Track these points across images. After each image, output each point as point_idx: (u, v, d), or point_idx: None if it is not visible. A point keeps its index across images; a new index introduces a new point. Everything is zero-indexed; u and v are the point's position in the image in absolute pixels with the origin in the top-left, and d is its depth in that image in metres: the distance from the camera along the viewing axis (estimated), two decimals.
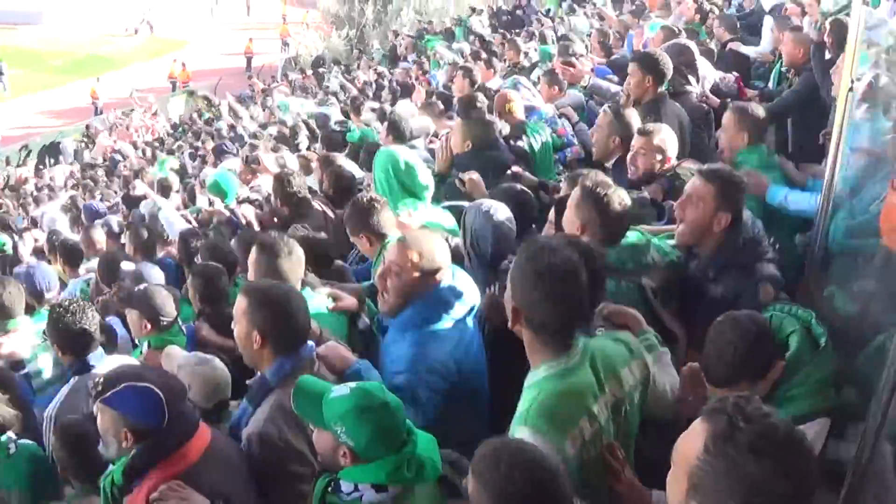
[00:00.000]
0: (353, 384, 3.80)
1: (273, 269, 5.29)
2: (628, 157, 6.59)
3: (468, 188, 6.92)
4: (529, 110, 9.26)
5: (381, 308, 4.90)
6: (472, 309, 4.80)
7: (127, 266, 8.49)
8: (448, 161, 7.78)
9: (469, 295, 4.80)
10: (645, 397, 3.83)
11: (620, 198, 4.95)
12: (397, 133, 9.43)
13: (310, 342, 4.52)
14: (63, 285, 9.36)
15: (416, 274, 4.63)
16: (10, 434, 5.39)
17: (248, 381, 4.54)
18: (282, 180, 8.53)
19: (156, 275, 8.36)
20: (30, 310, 7.41)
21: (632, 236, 5.14)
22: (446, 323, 4.67)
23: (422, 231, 5.41)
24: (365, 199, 6.00)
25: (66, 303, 5.82)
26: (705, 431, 2.46)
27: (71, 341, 5.67)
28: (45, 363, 6.73)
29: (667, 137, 6.47)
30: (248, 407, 4.46)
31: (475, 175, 6.97)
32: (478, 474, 3.03)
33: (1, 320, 6.90)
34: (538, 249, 3.52)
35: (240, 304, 4.43)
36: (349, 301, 5.55)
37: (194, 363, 5.10)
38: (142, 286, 6.58)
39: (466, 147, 7.68)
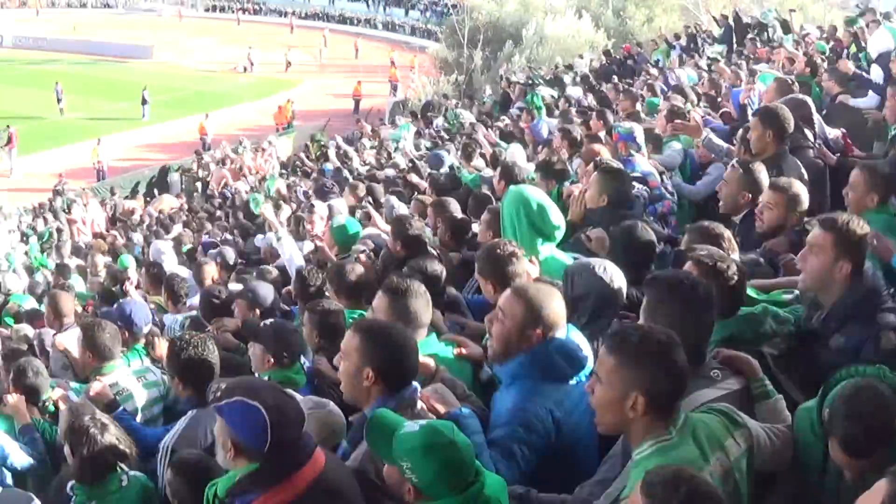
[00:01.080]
0: (424, 421, 3.90)
1: (402, 312, 5.27)
2: (756, 210, 6.64)
3: (593, 245, 6.86)
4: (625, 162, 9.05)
5: (489, 354, 4.96)
6: (583, 369, 4.72)
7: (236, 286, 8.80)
8: (580, 213, 7.71)
9: (581, 356, 4.75)
10: (752, 463, 3.85)
11: (736, 270, 4.97)
12: (510, 178, 9.39)
13: (414, 383, 4.57)
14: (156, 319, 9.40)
15: (523, 325, 4.63)
16: (122, 465, 5.58)
17: (350, 418, 4.73)
18: (403, 222, 8.34)
19: (265, 292, 8.41)
20: (124, 345, 7.53)
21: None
22: (552, 380, 4.65)
23: (540, 284, 5.16)
24: (506, 250, 5.76)
25: (188, 336, 6.12)
26: (884, 490, 2.66)
27: (192, 374, 5.96)
28: (139, 399, 7.03)
29: (800, 191, 6.52)
30: (347, 445, 4.64)
31: (602, 233, 6.87)
32: (654, 497, 3.05)
33: (98, 363, 7.07)
34: (647, 333, 3.69)
35: (351, 340, 4.52)
36: (474, 349, 5.54)
37: (310, 406, 4.87)
38: (269, 321, 6.71)
39: (602, 202, 7.58)
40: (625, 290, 5.39)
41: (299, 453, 3.96)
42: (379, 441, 3.88)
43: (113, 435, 5.51)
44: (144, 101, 50.82)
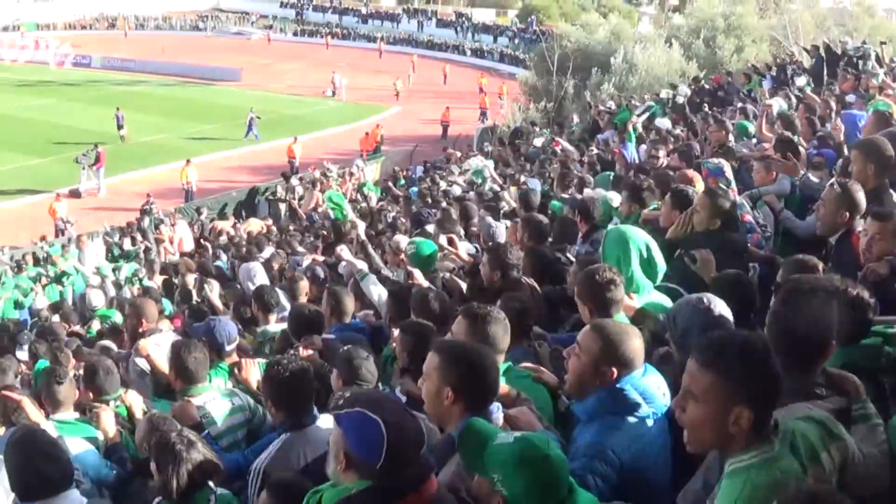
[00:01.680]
0: (519, 433, 3.91)
1: (481, 336, 5.33)
2: (863, 243, 6.55)
3: (699, 266, 6.93)
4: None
5: (566, 387, 5.08)
6: (658, 410, 4.74)
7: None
8: (684, 235, 7.84)
9: (657, 396, 4.77)
10: (842, 479, 3.77)
11: (867, 299, 4.96)
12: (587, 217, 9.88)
13: (496, 403, 4.64)
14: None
15: (599, 362, 4.69)
16: (211, 483, 5.56)
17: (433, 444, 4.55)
18: (501, 251, 8.38)
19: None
20: (210, 363, 7.56)
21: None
22: (629, 418, 4.66)
23: (621, 323, 5.22)
24: (605, 276, 5.87)
25: (285, 360, 6.06)
26: None
27: (288, 398, 5.93)
28: (223, 423, 6.97)
29: None
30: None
31: (710, 255, 6.96)
32: None
33: (186, 385, 7.16)
34: (747, 340, 3.59)
35: (431, 361, 4.61)
36: (549, 377, 5.58)
37: None
38: (346, 347, 6.73)
39: (713, 226, 7.73)
40: (730, 319, 5.23)
41: (413, 476, 3.88)
42: (471, 451, 3.88)
43: (200, 452, 5.48)
44: (251, 123, 51.91)
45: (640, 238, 6.70)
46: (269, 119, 55.20)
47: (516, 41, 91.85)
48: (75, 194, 39.68)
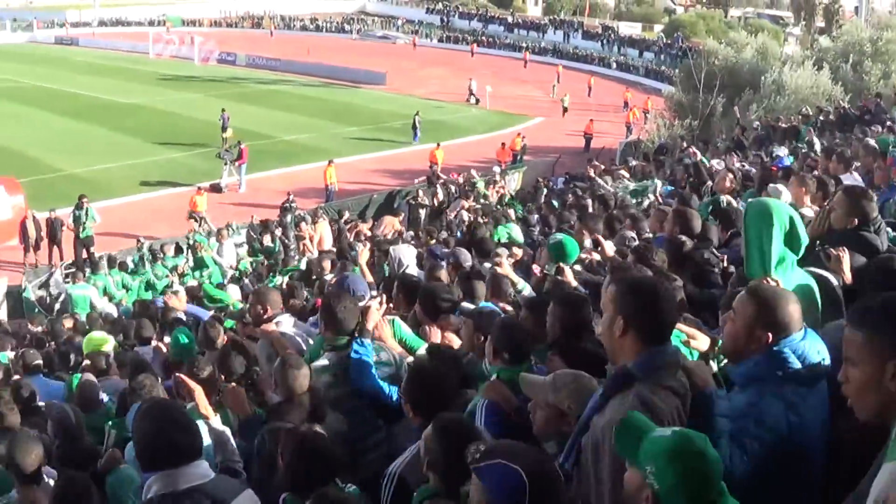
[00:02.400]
0: (677, 428, 3.89)
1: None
2: None
3: (833, 263, 6.83)
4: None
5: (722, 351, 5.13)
6: (820, 374, 4.69)
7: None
8: (822, 232, 7.77)
9: (818, 360, 4.69)
10: None
11: None
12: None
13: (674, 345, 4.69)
14: None
15: (753, 325, 4.69)
16: (338, 479, 5.52)
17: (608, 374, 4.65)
18: (642, 254, 8.51)
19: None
20: None
21: None
22: (789, 382, 4.61)
23: (776, 287, 5.26)
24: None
25: (426, 362, 6.21)
26: None
27: (427, 401, 5.83)
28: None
29: None
30: (597, 398, 4.56)
31: (845, 252, 6.86)
32: None
33: (335, 336, 7.24)
34: (888, 296, 3.55)
35: (608, 290, 4.64)
36: (703, 340, 5.53)
37: (569, 381, 5.04)
38: (501, 316, 6.84)
39: (851, 224, 7.68)
40: None
41: None
42: (627, 442, 3.81)
43: (327, 446, 5.50)
44: (415, 125, 52.56)
45: (784, 211, 6.46)
46: (411, 124, 55.18)
47: (662, 56, 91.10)
48: (216, 189, 40.08)
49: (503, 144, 46.38)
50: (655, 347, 4.41)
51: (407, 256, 13.01)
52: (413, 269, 12.51)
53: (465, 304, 8.36)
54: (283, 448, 5.58)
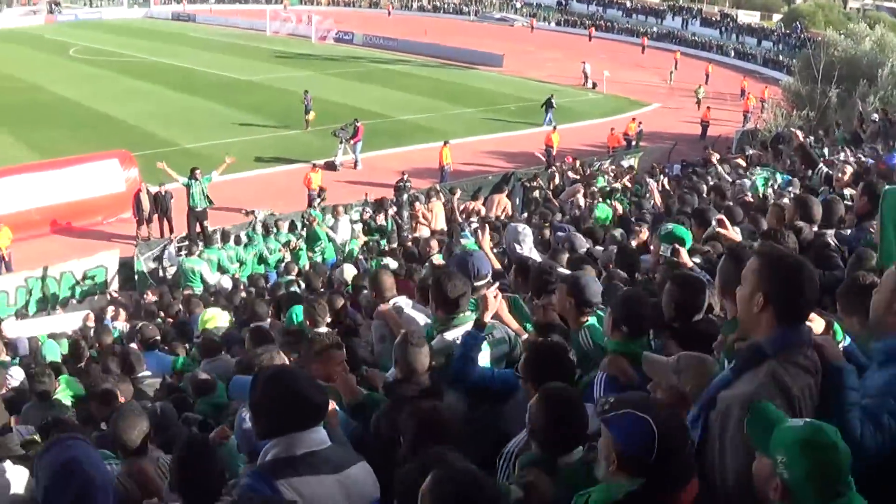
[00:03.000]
0: (809, 419, 3.90)
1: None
2: None
3: None
4: None
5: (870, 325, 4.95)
6: None
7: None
8: None
9: None
10: None
11: None
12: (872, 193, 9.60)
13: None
14: None
15: (894, 297, 4.66)
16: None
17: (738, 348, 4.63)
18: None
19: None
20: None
21: None
22: None
23: None
24: (867, 280, 5.60)
25: (548, 343, 6.07)
26: None
27: (546, 377, 5.61)
28: (483, 357, 6.91)
29: None
30: (729, 372, 4.52)
31: None
32: None
33: (446, 315, 7.21)
34: None
35: (752, 264, 4.53)
36: (818, 322, 5.24)
37: (693, 364, 5.04)
38: (624, 289, 6.89)
39: None
40: None
41: (685, 471, 4.01)
42: (759, 430, 3.86)
43: (449, 421, 5.42)
44: (550, 106, 51.80)
45: None
46: (527, 107, 55.19)
47: (780, 46, 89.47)
48: (331, 167, 40.15)
49: (612, 130, 45.86)
50: (792, 326, 4.37)
51: (524, 237, 12.73)
52: (527, 251, 12.18)
53: (562, 271, 8.56)
54: (404, 423, 5.44)
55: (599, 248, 12.82)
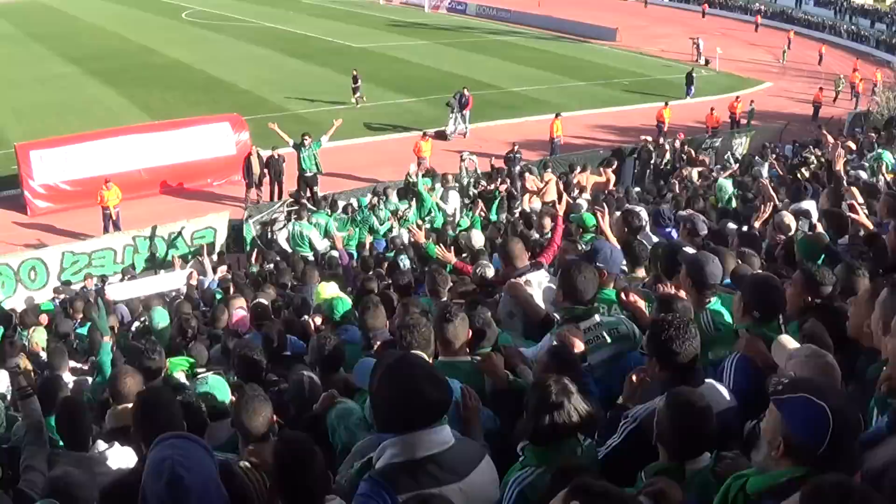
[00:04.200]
0: None
1: None
2: None
3: None
4: None
5: None
6: None
7: None
8: None
9: None
10: None
11: None
12: None
13: None
14: None
15: None
16: (580, 434, 5.23)
17: None
18: None
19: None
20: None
21: None
22: None
23: None
24: None
25: (672, 318, 5.71)
26: None
27: (672, 359, 5.54)
28: (604, 351, 6.76)
29: None
30: (885, 428, 4.37)
31: None
32: None
33: (572, 305, 7.01)
34: None
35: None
36: None
37: (805, 354, 5.09)
38: (755, 273, 7.07)
39: None
40: None
41: (850, 466, 3.85)
42: None
43: (576, 399, 5.07)
44: (691, 81, 52.13)
45: None
46: (640, 82, 54.42)
47: (893, 28, 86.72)
48: (441, 136, 39.83)
49: (712, 110, 44.40)
50: None
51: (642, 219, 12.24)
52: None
53: (687, 251, 8.21)
54: (528, 398, 5.17)
55: (732, 225, 12.32)
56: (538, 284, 8.73)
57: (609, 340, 6.77)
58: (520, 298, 8.38)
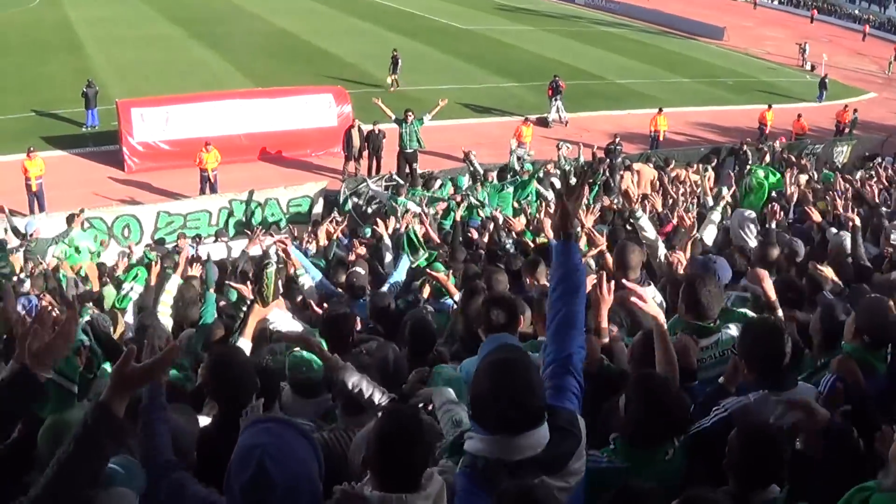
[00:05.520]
0: None
1: None
2: None
3: None
4: None
5: None
6: None
7: None
8: None
9: None
10: None
11: None
12: None
13: None
14: None
15: None
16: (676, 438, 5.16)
17: None
18: None
19: None
20: None
21: None
22: None
23: None
24: None
25: (766, 319, 5.88)
26: None
27: (763, 361, 5.47)
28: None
29: None
30: None
31: None
32: None
33: (694, 320, 6.59)
34: None
35: None
36: None
37: None
38: (870, 296, 6.65)
39: None
40: None
41: None
42: None
43: (676, 395, 5.00)
44: (824, 86, 51.02)
45: None
46: (745, 83, 53.14)
47: None
48: (543, 122, 39.46)
49: (799, 116, 42.57)
50: None
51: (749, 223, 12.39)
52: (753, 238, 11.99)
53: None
54: (629, 392, 5.00)
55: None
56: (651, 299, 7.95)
57: (720, 359, 6.50)
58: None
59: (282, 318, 7.36)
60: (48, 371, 4.31)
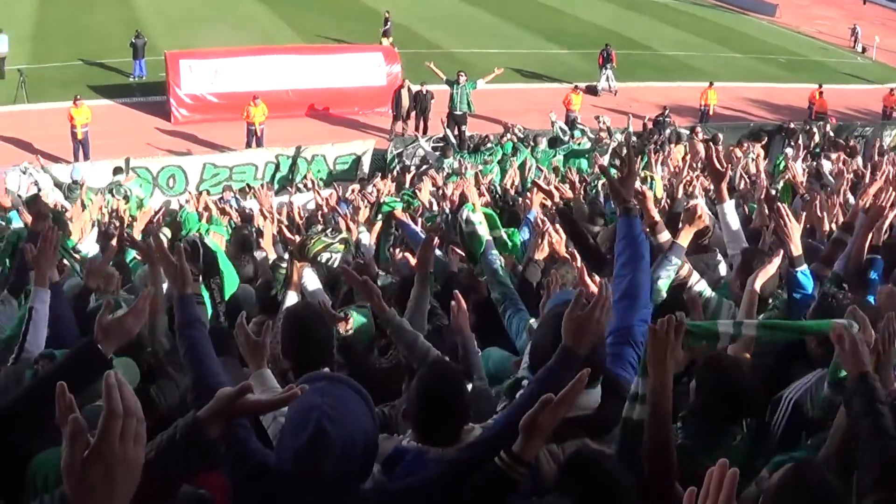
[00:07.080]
0: None
1: None
2: None
3: None
4: None
5: None
6: None
7: None
8: None
9: None
10: None
11: None
12: None
13: None
14: None
15: None
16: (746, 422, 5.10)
17: None
18: None
19: None
20: None
21: None
22: None
23: None
24: None
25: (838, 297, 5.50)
26: None
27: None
28: None
29: None
30: None
31: None
32: None
33: None
34: None
35: None
36: None
37: None
38: None
39: None
40: None
41: None
42: None
43: (748, 380, 4.88)
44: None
45: None
46: (796, 61, 52.40)
47: None
48: (592, 91, 39.07)
49: (820, 93, 40.74)
50: None
51: None
52: None
53: None
54: (699, 376, 4.88)
55: None
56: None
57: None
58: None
59: (310, 278, 7.22)
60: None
